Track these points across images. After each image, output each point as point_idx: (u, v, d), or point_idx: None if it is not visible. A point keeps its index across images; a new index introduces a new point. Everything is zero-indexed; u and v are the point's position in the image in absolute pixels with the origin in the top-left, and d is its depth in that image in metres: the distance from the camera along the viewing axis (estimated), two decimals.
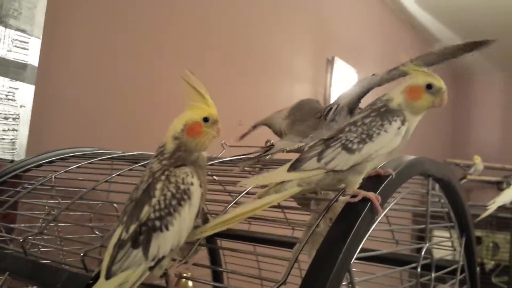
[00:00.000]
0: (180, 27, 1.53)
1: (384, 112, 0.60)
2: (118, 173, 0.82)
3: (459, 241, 0.90)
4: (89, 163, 0.92)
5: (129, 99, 1.37)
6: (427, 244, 0.71)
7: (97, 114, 1.28)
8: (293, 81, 2.14)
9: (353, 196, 0.56)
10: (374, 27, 2.86)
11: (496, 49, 3.48)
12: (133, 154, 1.01)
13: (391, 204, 0.62)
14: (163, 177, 0.54)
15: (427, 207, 0.71)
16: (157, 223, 0.52)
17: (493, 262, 3.17)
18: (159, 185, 0.54)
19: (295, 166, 0.58)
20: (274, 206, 0.59)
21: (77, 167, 0.90)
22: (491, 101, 4.11)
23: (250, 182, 0.59)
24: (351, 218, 0.53)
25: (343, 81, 2.42)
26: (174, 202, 0.53)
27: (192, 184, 0.55)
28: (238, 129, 1.92)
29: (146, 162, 0.86)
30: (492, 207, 2.38)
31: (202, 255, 1.27)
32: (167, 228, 0.52)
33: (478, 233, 3.31)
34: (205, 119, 0.58)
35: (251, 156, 0.89)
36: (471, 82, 4.20)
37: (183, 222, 0.53)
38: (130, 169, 0.83)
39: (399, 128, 0.59)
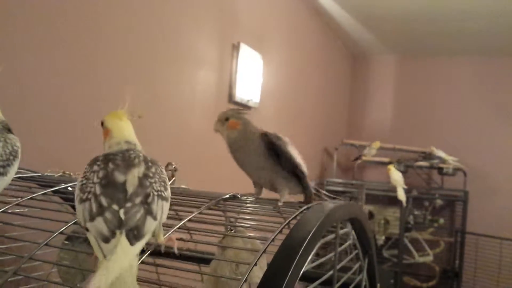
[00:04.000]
0: (73, 10, 1.35)
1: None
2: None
3: (362, 264, 0.92)
4: None
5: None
6: None
7: None
8: (197, 68, 2.04)
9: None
10: (280, 12, 2.83)
11: (390, 31, 3.67)
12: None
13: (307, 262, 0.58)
14: (2, 139, 0.74)
15: (335, 252, 0.69)
16: (1, 169, 0.72)
17: (383, 237, 3.41)
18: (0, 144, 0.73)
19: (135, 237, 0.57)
20: None
21: None
22: (384, 82, 4.33)
23: None
24: None
25: (249, 67, 2.37)
26: (11, 157, 0.74)
27: (19, 147, 0.76)
28: (137, 122, 1.81)
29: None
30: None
31: None
32: (6, 175, 0.72)
33: (370, 208, 3.53)
34: None
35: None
36: (367, 63, 4.39)
37: (13, 172, 0.75)
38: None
39: None
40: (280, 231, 0.65)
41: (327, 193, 0.99)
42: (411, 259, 3.46)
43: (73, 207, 0.99)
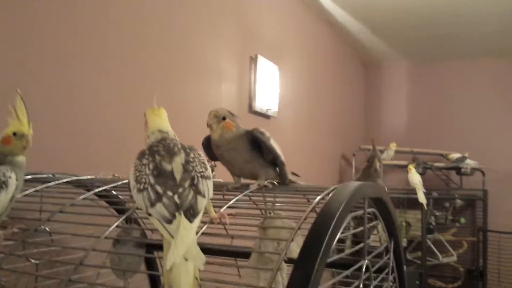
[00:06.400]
0: (106, 28, 1.48)
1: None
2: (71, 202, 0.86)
3: (388, 246, 0.99)
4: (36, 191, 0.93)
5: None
6: (366, 261, 0.77)
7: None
8: (219, 81, 2.15)
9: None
10: (294, 25, 2.95)
11: (401, 39, 3.75)
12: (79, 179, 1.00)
13: (340, 231, 0.67)
14: None
15: (364, 226, 0.78)
16: None
17: (406, 240, 3.44)
18: None
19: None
20: None
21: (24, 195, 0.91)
22: (398, 87, 4.41)
23: None
24: None
25: (266, 78, 2.48)
26: None
27: (10, 177, 0.79)
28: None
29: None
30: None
31: None
32: None
33: None
34: (14, 134, 0.80)
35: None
36: (379, 70, 4.48)
37: None
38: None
39: None
40: (312, 209, 0.74)
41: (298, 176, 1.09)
42: (435, 261, 3.48)
43: (109, 202, 1.10)
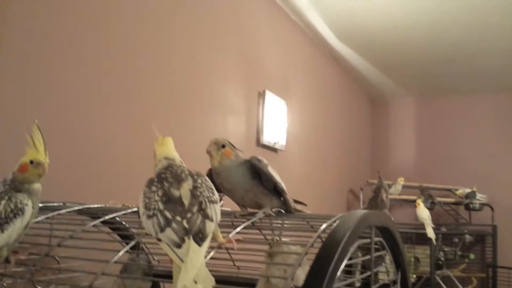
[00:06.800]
0: (109, 60, 1.53)
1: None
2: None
3: (395, 277, 0.99)
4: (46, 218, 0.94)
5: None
6: None
7: None
8: (227, 116, 2.19)
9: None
10: (301, 62, 3.01)
11: (407, 76, 3.81)
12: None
13: (346, 258, 0.67)
14: (6, 197, 0.80)
15: (371, 255, 0.78)
16: None
17: (415, 276, 3.39)
18: (2, 202, 0.80)
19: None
20: None
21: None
22: (405, 123, 4.45)
23: None
24: None
25: (274, 112, 2.51)
26: (11, 215, 0.79)
27: (27, 205, 0.81)
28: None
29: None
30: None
31: None
32: (2, 231, 0.78)
33: None
34: (31, 162, 0.82)
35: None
36: (386, 106, 4.52)
37: (15, 229, 0.79)
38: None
39: None
40: (318, 236, 0.75)
41: (305, 205, 1.09)
42: None
43: (115, 230, 1.11)
